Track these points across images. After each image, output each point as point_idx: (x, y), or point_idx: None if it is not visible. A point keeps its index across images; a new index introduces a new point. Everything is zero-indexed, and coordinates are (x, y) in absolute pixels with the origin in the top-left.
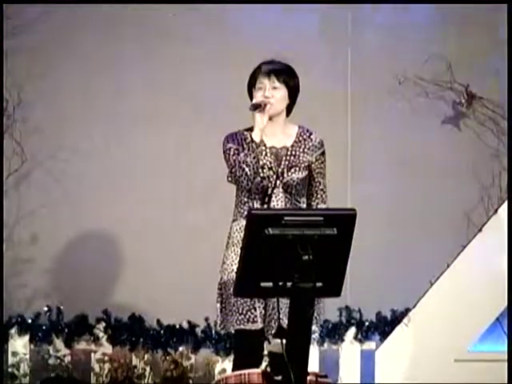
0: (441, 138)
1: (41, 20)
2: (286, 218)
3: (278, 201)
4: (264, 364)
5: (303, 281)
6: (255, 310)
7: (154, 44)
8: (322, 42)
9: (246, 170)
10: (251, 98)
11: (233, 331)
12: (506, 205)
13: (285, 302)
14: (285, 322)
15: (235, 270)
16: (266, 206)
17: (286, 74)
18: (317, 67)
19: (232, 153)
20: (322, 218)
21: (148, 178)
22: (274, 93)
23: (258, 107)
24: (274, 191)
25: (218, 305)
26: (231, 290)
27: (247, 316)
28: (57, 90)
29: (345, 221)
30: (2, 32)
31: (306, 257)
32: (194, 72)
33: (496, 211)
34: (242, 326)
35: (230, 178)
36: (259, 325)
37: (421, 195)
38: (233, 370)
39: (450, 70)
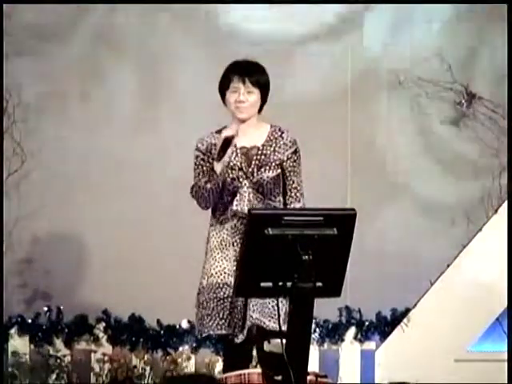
0: (441, 137)
1: (40, 20)
2: (285, 218)
3: (246, 200)
4: (254, 364)
5: (303, 281)
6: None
7: (150, 47)
8: (322, 41)
9: (205, 194)
10: (223, 99)
11: (213, 335)
12: (506, 204)
13: (261, 303)
14: (264, 322)
15: (214, 274)
16: (235, 207)
17: (259, 75)
18: (317, 67)
19: (196, 167)
20: (322, 218)
21: (147, 179)
22: (248, 97)
23: (229, 141)
24: (242, 191)
25: (196, 309)
26: (211, 294)
27: (228, 320)
28: (56, 90)
29: (345, 221)
30: (2, 32)
31: (306, 257)
32: (188, 72)
33: (496, 211)
34: (223, 331)
35: (191, 194)
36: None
37: (422, 195)
38: (223, 371)
39: (450, 70)
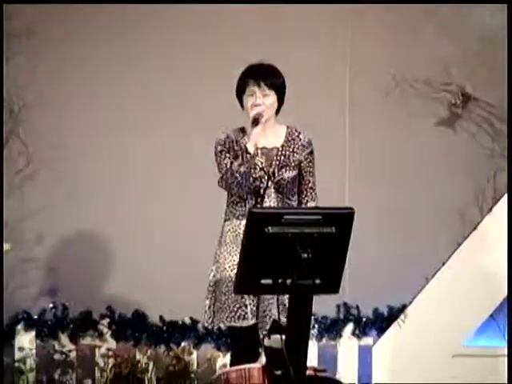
0: (436, 138)
1: (44, 22)
2: (285, 217)
3: (271, 201)
4: (263, 359)
5: (302, 278)
6: (246, 307)
7: (155, 48)
8: (321, 44)
9: (239, 178)
10: (240, 102)
11: (222, 327)
12: (500, 204)
13: (281, 299)
14: (281, 319)
15: (227, 268)
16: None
17: (274, 77)
18: (316, 69)
19: (224, 157)
20: (320, 217)
21: (150, 178)
22: (264, 100)
23: (256, 121)
24: (266, 191)
25: (207, 301)
26: (223, 287)
27: (238, 313)
28: (61, 92)
29: (343, 219)
30: (2, 32)
31: (305, 255)
32: (196, 77)
33: (491, 210)
34: (232, 323)
35: (220, 184)
36: (250, 321)
37: (417, 195)
38: (230, 365)
39: (446, 72)
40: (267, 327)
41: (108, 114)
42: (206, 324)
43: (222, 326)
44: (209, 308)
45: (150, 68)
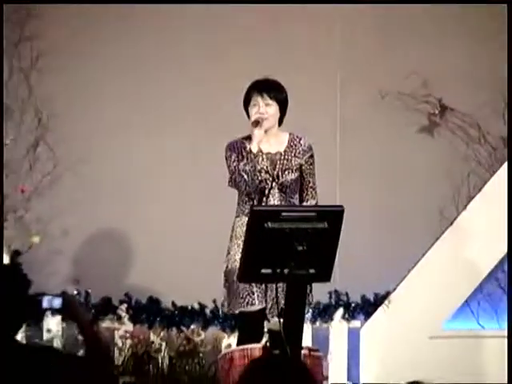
0: (418, 144)
1: (70, 36)
2: (283, 214)
3: (275, 200)
4: (264, 340)
5: (298, 268)
6: (253, 294)
7: (167, 52)
8: (313, 58)
9: (245, 176)
10: (247, 113)
11: (236, 312)
12: (473, 202)
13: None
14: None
15: (237, 259)
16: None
17: (276, 91)
18: (310, 82)
19: (232, 160)
20: (314, 214)
21: (163, 179)
22: (267, 109)
23: (257, 124)
24: (271, 191)
25: (224, 290)
26: (234, 276)
27: (246, 300)
28: (85, 102)
29: (334, 216)
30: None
31: (301, 247)
32: (201, 82)
33: (465, 207)
34: (242, 309)
35: (230, 183)
36: (257, 307)
37: (401, 194)
38: (237, 345)
39: (426, 85)
40: (274, 312)
41: (123, 124)
42: (225, 310)
43: (236, 311)
44: (226, 296)
45: (161, 69)
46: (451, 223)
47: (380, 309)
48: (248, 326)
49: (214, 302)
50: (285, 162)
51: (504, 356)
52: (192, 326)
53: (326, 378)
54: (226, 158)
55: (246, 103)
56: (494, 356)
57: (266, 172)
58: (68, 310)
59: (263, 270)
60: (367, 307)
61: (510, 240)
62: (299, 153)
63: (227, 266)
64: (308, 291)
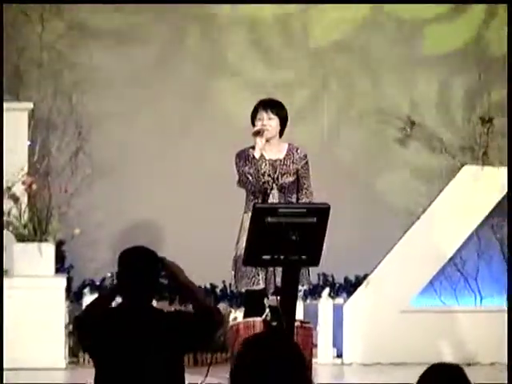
0: (393, 153)
1: (108, 60)
2: (280, 210)
3: (275, 199)
4: (265, 314)
5: (292, 255)
6: (258, 275)
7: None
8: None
9: (250, 178)
10: (253, 126)
11: (243, 291)
12: (436, 201)
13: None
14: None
15: (244, 247)
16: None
17: (278, 108)
18: (303, 104)
19: (240, 164)
20: (305, 210)
21: (183, 180)
22: (269, 122)
23: (258, 133)
24: (272, 192)
25: (233, 272)
26: (242, 261)
27: (253, 280)
28: (116, 119)
29: (321, 212)
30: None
31: (294, 237)
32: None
33: (430, 204)
34: (249, 287)
35: (238, 184)
36: (261, 286)
37: (378, 193)
38: (243, 318)
39: (398, 105)
40: (271, 291)
41: (152, 132)
42: (233, 288)
43: (243, 289)
44: (234, 277)
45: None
46: (418, 217)
47: (360, 288)
48: (253, 302)
49: (224, 282)
50: (284, 167)
51: (461, 328)
52: None
53: (316, 345)
54: (236, 164)
55: (253, 118)
56: (453, 326)
57: (268, 175)
58: (169, 271)
59: (264, 256)
60: (349, 287)
61: (509, 231)
62: (296, 160)
63: (236, 253)
64: (307, 274)
